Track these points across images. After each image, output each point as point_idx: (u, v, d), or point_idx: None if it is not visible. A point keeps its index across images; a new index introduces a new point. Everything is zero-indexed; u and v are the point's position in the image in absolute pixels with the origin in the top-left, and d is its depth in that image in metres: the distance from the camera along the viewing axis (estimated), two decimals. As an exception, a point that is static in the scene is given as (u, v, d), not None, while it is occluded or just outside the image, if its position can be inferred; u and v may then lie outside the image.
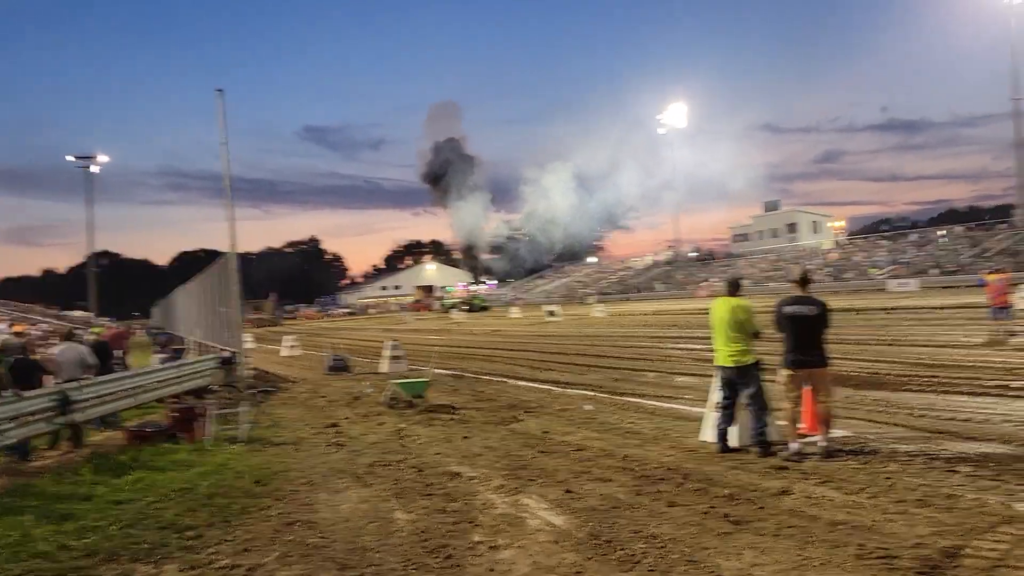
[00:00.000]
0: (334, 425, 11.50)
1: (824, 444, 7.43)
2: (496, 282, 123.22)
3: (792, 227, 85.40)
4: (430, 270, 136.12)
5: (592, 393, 13.22)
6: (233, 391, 14.60)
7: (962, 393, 10.53)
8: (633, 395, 12.69)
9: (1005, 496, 5.72)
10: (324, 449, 9.73)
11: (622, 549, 5.13)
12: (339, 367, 19.70)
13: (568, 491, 6.76)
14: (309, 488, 7.67)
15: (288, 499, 7.28)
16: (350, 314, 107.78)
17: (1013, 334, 17.53)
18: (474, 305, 79.47)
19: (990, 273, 19.03)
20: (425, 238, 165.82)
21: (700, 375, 14.70)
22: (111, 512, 6.96)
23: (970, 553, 4.58)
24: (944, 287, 48.28)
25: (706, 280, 77.19)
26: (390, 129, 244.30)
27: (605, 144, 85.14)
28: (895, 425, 8.77)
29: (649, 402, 11.76)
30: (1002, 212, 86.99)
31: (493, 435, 9.81)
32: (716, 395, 8.49)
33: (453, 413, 11.81)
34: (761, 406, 7.77)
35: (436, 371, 18.22)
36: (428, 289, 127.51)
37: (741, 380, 7.86)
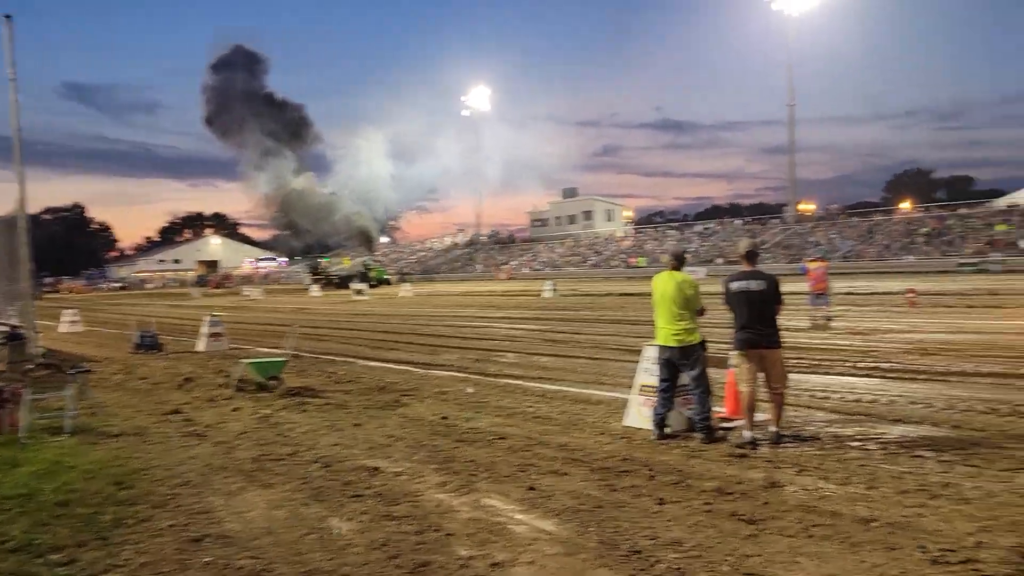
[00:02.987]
0: (176, 412, 9.78)
1: (774, 430, 7.03)
2: (286, 259, 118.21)
3: (588, 214, 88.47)
4: (215, 244, 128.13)
5: (463, 375, 12.29)
6: (46, 371, 12.22)
7: (843, 375, 10.70)
8: (507, 376, 11.92)
9: (1003, 484, 5.50)
10: (180, 441, 8.13)
11: (658, 561, 4.31)
12: (149, 345, 17.33)
13: (531, 488, 5.84)
14: (190, 491, 6.20)
15: (171, 505, 5.80)
16: (122, 288, 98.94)
17: (831, 319, 18.60)
18: (371, 278, 64.80)
19: (811, 261, 20.09)
20: (206, 210, 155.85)
21: (559, 356, 14.28)
22: (-74, 533, 5.18)
23: (1042, 552, 4.20)
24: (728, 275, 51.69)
25: (506, 263, 78.23)
26: (166, 93, 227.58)
27: (408, 122, 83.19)
28: (808, 408, 8.60)
29: (532, 384, 11.03)
30: (758, 209, 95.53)
31: (387, 422, 8.65)
32: (644, 377, 7.91)
33: (320, 397, 10.45)
34: (705, 389, 7.24)
35: (263, 349, 16.55)
36: (212, 264, 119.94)
37: (685, 361, 7.28)
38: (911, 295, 22.85)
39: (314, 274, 73.16)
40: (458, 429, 8.17)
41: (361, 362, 14.56)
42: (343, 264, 78.68)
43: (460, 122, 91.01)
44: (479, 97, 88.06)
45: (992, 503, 5.08)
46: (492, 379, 11.75)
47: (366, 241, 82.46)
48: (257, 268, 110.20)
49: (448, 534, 4.92)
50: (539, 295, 36.95)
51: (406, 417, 8.93)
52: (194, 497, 6.02)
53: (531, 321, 23.09)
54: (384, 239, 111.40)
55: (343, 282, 63.97)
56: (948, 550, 4.27)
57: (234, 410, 9.74)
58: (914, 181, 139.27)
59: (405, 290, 47.19)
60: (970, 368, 10.72)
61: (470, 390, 10.65)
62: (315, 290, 56.15)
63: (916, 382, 9.93)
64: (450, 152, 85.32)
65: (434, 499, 5.69)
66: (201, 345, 17.70)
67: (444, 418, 8.77)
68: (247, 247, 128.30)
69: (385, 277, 67.57)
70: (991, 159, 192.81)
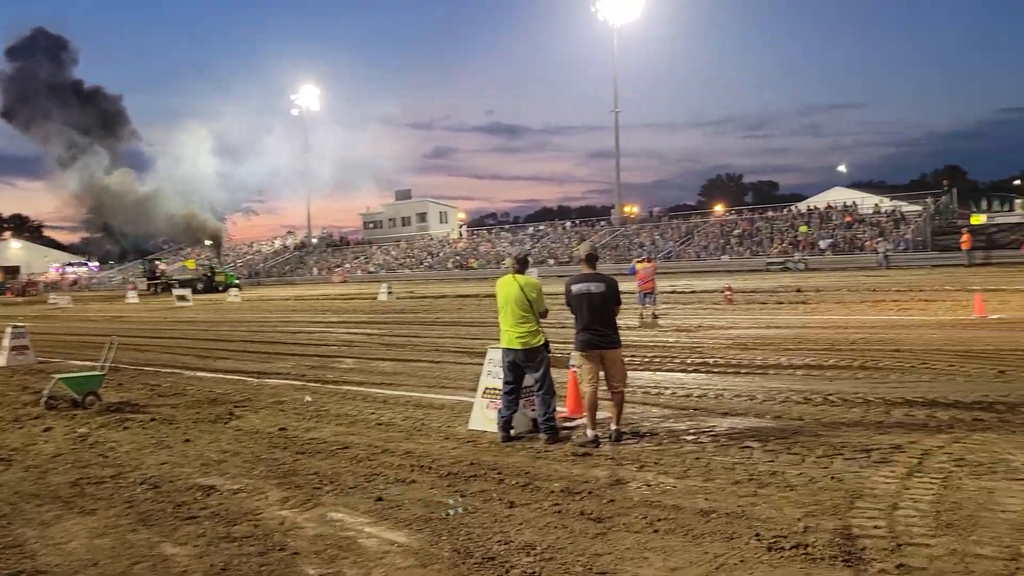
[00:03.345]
0: (-24, 434, 8.85)
1: (615, 428, 7.24)
2: (97, 263, 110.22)
3: (422, 216, 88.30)
4: (15, 249, 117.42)
5: (300, 383, 11.90)
6: None
7: (673, 371, 11.21)
8: (347, 383, 11.65)
9: (823, 469, 5.91)
10: (-17, 467, 7.35)
11: (512, 567, 4.30)
12: (-63, 361, 15.58)
13: (379, 499, 5.70)
14: (-2, 523, 5.61)
15: (-26, 542, 5.21)
16: None
17: (658, 317, 19.49)
18: (218, 282, 57.78)
19: (639, 262, 20.96)
20: (4, 211, 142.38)
21: (399, 360, 14.15)
22: None
23: (860, 532, 4.54)
24: (559, 276, 53.19)
25: (340, 266, 76.72)
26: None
27: (235, 120, 79.71)
28: (644, 404, 8.94)
29: (373, 390, 10.82)
30: (586, 212, 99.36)
31: (220, 436, 8.20)
32: (489, 379, 7.96)
33: (144, 412, 9.77)
34: (549, 390, 7.36)
35: (77, 363, 15.35)
36: (12, 270, 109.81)
37: (529, 363, 7.37)
38: (728, 293, 24.35)
39: (151, 278, 64.52)
40: (298, 440, 7.88)
41: (188, 373, 13.77)
42: (187, 266, 71.03)
43: (289, 121, 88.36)
44: (309, 96, 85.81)
45: (814, 488, 5.46)
46: (331, 386, 11.44)
47: (197, 241, 74.79)
48: (64, 274, 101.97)
49: (294, 553, 4.70)
50: (375, 298, 36.49)
51: (241, 430, 8.51)
52: (2, 530, 5.45)
53: (368, 325, 22.75)
54: (208, 241, 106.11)
55: (184, 286, 57.11)
56: (780, 536, 4.54)
57: (45, 430, 8.93)
58: (727, 185, 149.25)
59: (233, 295, 45.21)
60: (784, 361, 11.52)
61: (308, 399, 10.32)
62: (132, 297, 52.34)
63: (739, 376, 10.56)
64: (279, 152, 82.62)
65: (277, 516, 5.44)
66: (2, 360, 16.13)
67: (282, 429, 8.43)
68: (53, 251, 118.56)
69: (235, 282, 58.98)
70: (792, 166, 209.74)
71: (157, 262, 71.28)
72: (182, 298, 43.24)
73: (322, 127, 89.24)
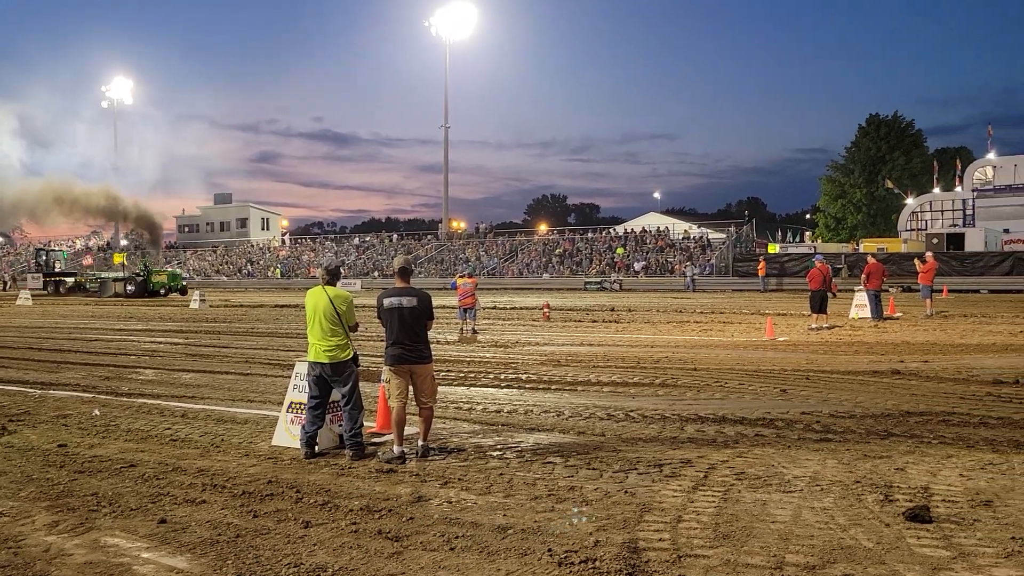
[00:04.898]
0: None
1: (422, 444, 7.18)
2: None
3: (243, 222, 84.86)
4: None
5: (88, 395, 11.02)
6: None
7: (487, 386, 11.31)
8: (143, 396, 10.92)
9: (617, 484, 6.11)
10: None
11: (299, 590, 4.14)
12: None
13: (163, 521, 5.33)
14: None
15: None
16: None
17: (477, 332, 19.69)
18: (155, 284, 46.30)
19: (461, 277, 21.10)
20: None
21: (205, 372, 13.48)
22: None
23: (646, 546, 4.71)
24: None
25: (149, 270, 72.13)
26: None
27: (29, 104, 73.27)
28: (455, 420, 8.94)
29: (172, 404, 10.21)
30: (414, 225, 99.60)
31: (-13, 454, 7.43)
32: (295, 393, 7.71)
33: None
34: (356, 405, 7.21)
35: None
36: None
37: (337, 377, 7.19)
38: (546, 310, 25.00)
39: (47, 275, 52.06)
40: (79, 458, 7.27)
41: (-43, 383, 12.42)
42: (113, 262, 57.13)
43: (99, 114, 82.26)
44: (121, 88, 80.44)
45: (608, 503, 5.64)
46: (125, 399, 10.68)
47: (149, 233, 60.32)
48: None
49: (58, 583, 4.30)
50: (187, 306, 34.60)
51: (12, 447, 7.76)
52: None
53: (175, 334, 21.50)
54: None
55: (104, 287, 46.96)
56: (572, 551, 4.64)
57: None
58: (551, 206, 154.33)
59: (23, 299, 41.30)
60: (593, 378, 11.91)
61: (97, 412, 9.56)
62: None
63: (549, 392, 10.80)
64: (83, 145, 76.59)
65: (42, 542, 4.96)
66: None
67: (62, 446, 7.75)
68: None
69: (182, 284, 48.35)
70: (612, 190, 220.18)
71: (52, 252, 57.92)
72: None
73: (137, 122, 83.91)
